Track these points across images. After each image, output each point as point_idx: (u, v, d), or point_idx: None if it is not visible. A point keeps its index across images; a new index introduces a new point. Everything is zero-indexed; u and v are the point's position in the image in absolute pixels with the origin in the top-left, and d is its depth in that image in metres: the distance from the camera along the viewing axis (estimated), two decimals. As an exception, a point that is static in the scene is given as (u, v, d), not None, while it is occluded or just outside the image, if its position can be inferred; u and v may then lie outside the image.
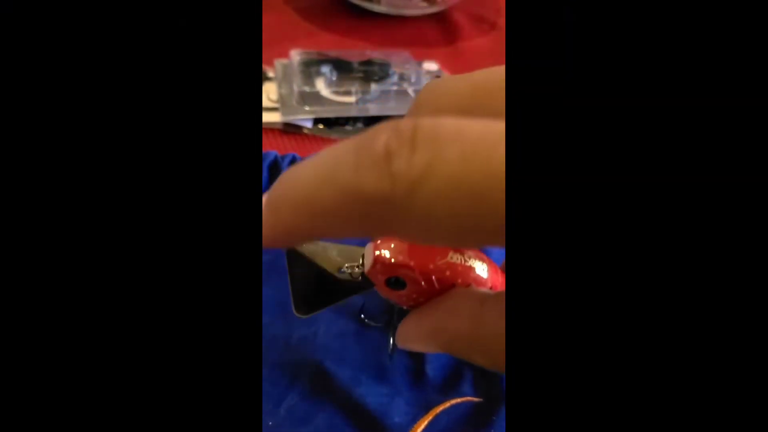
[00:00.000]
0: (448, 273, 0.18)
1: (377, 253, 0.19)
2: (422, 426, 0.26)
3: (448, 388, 0.28)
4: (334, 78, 0.44)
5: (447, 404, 0.27)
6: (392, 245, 0.19)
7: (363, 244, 0.20)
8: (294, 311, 0.22)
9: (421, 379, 0.29)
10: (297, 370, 0.28)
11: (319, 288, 0.22)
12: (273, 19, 0.53)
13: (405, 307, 0.20)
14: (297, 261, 0.22)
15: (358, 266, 0.20)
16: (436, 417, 0.27)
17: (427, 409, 0.27)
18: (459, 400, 0.28)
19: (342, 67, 0.44)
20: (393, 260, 0.18)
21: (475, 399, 0.28)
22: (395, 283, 0.19)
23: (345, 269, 0.21)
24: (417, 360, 0.29)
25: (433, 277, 0.18)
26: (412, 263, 0.18)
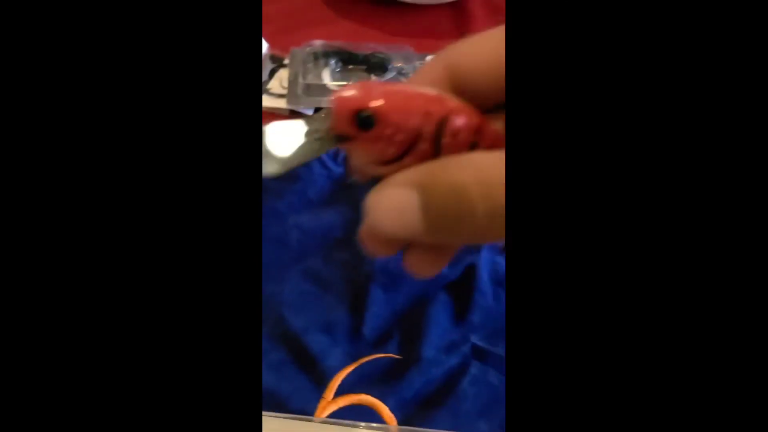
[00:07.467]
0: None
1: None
2: (349, 370, 0.34)
3: (378, 345, 0.36)
4: (338, 69, 0.50)
5: (371, 357, 0.35)
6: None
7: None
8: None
9: (357, 336, 0.37)
10: (262, 317, 0.37)
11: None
12: (297, 1, 0.59)
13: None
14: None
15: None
16: (361, 365, 0.35)
17: (356, 359, 0.35)
18: (382, 355, 0.35)
19: (347, 59, 0.51)
20: (358, 93, 0.16)
21: (396, 356, 0.36)
22: (365, 121, 0.15)
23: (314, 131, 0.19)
24: (357, 320, 0.37)
25: (411, 120, 0.15)
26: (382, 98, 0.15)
